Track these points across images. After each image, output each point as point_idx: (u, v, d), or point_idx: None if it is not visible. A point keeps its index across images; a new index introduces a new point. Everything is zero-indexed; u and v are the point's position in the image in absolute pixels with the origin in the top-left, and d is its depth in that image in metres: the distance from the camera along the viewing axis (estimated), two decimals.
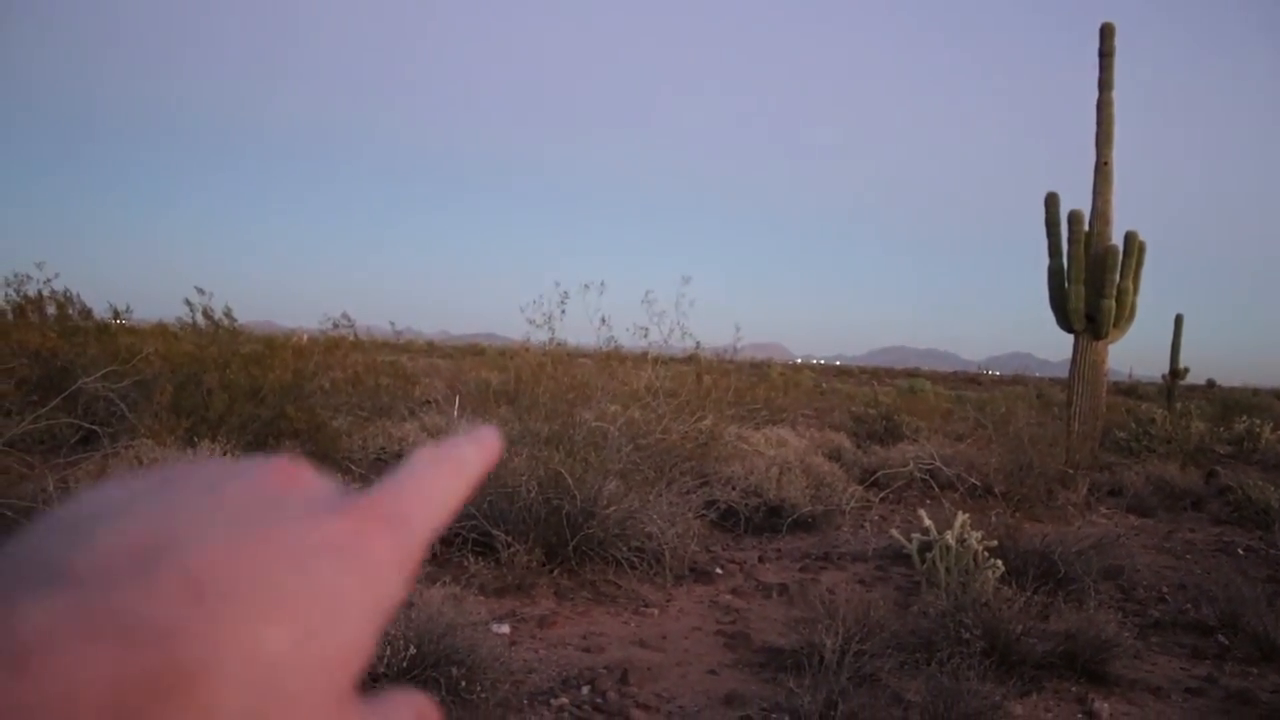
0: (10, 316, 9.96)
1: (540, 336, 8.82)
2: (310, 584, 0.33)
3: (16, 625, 0.28)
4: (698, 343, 9.63)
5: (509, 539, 6.55)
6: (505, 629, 5.71)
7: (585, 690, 5.00)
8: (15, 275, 10.21)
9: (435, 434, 9.32)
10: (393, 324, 14.17)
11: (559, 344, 8.83)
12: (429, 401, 14.30)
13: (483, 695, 4.50)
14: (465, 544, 6.74)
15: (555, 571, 6.70)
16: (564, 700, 4.85)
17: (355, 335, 11.60)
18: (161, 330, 11.41)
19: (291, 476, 0.38)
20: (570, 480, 6.84)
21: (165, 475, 0.36)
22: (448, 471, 0.41)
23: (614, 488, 7.06)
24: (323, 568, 0.34)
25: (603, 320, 8.93)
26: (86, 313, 10.82)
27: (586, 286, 8.83)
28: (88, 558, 0.30)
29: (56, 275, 10.46)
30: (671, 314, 9.12)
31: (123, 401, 8.67)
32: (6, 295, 10.14)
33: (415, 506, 0.38)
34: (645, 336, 9.09)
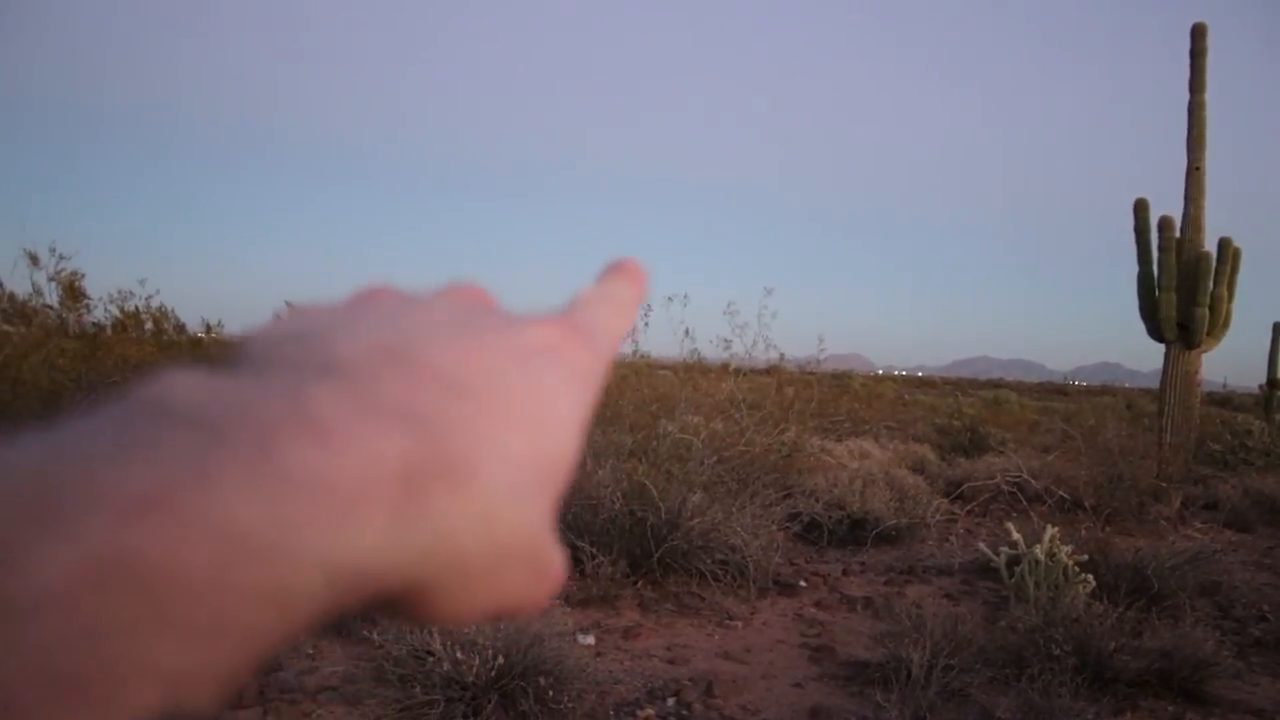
0: (110, 332, 10.26)
1: (624, 349, 8.88)
2: (534, 384, 0.35)
3: (310, 405, 0.29)
4: (781, 354, 9.63)
5: (593, 550, 6.59)
6: (591, 640, 5.75)
7: (671, 702, 5.01)
8: (119, 291, 10.49)
9: None
10: None
11: (643, 356, 8.89)
12: None
13: (570, 705, 4.54)
14: None
15: (639, 583, 6.73)
16: (650, 711, 4.87)
17: None
18: None
19: (481, 294, 0.40)
20: (654, 492, 6.87)
21: (358, 298, 0.38)
22: (612, 305, 0.43)
23: (698, 499, 7.07)
24: (541, 369, 0.35)
25: (686, 332, 8.98)
26: (181, 327, 11.12)
27: (670, 298, 8.89)
28: (346, 355, 0.32)
29: (157, 291, 10.76)
30: (754, 325, 9.13)
31: None
32: (107, 310, 10.45)
33: (596, 327, 0.41)
34: (727, 348, 9.11)
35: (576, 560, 6.66)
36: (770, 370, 10.17)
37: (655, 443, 7.65)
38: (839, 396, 14.69)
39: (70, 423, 0.28)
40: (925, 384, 56.61)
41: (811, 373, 10.80)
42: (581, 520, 6.90)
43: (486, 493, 0.31)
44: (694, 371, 9.10)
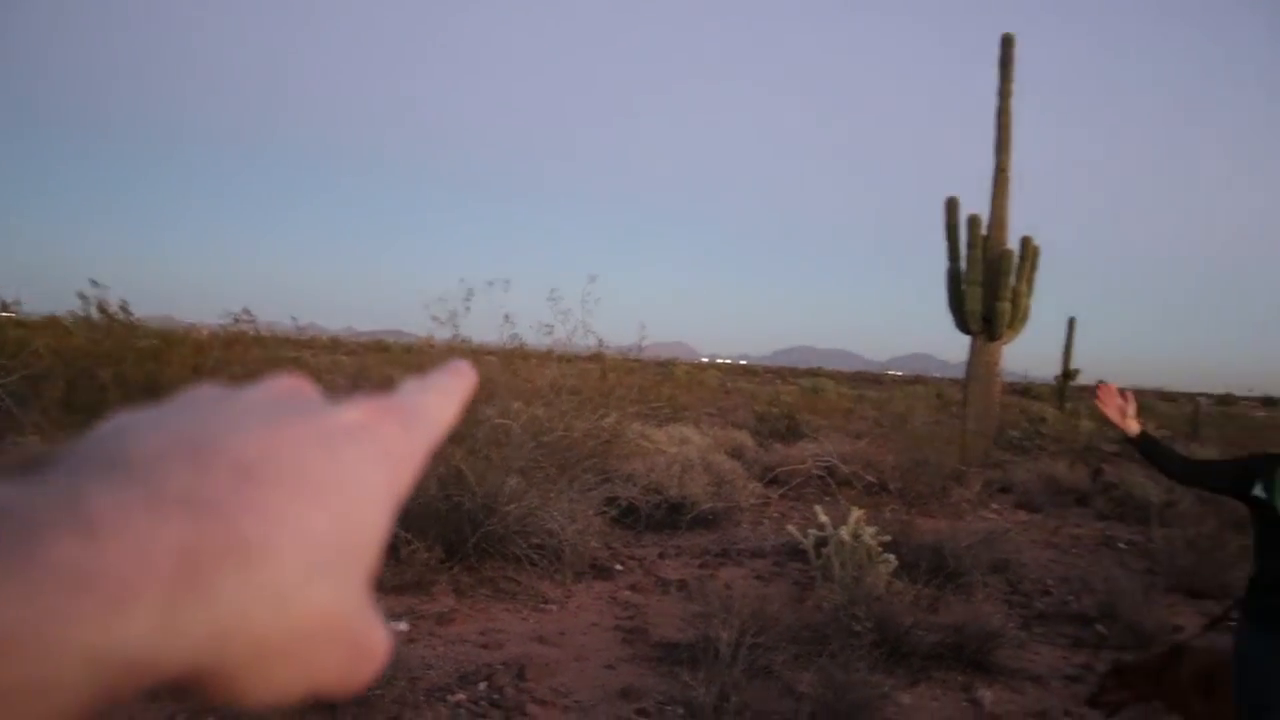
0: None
1: (444, 334, 8.76)
2: (338, 466, 0.35)
3: (83, 501, 0.30)
4: (600, 340, 9.64)
5: (408, 536, 6.50)
6: (403, 626, 5.68)
7: (483, 686, 5.00)
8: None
9: None
10: (295, 319, 13.70)
11: (463, 341, 8.77)
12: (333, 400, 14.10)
13: (378, 693, 4.47)
14: None
15: (455, 569, 6.67)
16: (461, 696, 4.84)
17: (256, 331, 11.35)
18: (53, 324, 11.05)
19: (297, 385, 0.40)
20: (471, 477, 6.81)
21: (180, 397, 0.38)
22: (435, 394, 0.43)
23: (515, 485, 7.05)
24: (346, 451, 0.36)
25: (506, 317, 8.92)
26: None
27: (491, 283, 8.81)
28: (141, 449, 0.32)
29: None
30: (577, 312, 9.12)
31: (10, 398, 8.40)
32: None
33: (415, 410, 0.41)
34: (550, 334, 9.08)
35: (391, 546, 6.54)
36: (594, 357, 10.18)
37: (473, 428, 7.58)
38: (661, 383, 14.86)
39: None
40: (748, 372, 57.97)
41: (635, 360, 10.88)
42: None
43: (281, 571, 0.31)
44: (515, 357, 9.04)
